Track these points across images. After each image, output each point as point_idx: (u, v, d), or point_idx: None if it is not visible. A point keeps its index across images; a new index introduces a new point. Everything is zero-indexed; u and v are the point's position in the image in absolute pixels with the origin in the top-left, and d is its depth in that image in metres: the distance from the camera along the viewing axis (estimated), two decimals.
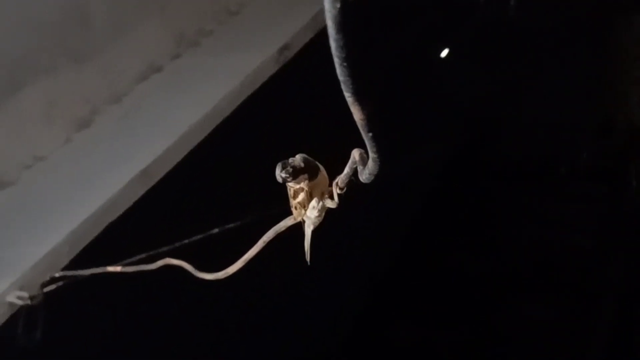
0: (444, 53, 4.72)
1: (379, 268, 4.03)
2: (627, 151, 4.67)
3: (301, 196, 1.15)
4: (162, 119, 2.60)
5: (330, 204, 1.14)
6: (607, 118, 4.94)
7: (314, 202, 1.15)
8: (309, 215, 1.18)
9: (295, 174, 1.07)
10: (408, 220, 4.29)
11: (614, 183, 4.52)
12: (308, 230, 1.25)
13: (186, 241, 1.95)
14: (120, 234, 2.25)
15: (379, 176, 0.89)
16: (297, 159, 1.09)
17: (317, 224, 1.22)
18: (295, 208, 1.19)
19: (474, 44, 4.72)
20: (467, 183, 4.58)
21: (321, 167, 1.13)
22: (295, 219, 1.23)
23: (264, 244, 1.37)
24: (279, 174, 1.08)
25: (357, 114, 0.64)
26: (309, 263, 1.28)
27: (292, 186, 1.16)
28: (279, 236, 1.33)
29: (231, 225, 2.06)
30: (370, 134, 0.69)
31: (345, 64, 0.56)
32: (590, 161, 4.72)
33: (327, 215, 1.23)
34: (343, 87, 0.60)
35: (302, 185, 1.13)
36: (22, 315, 1.99)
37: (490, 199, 4.55)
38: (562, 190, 4.54)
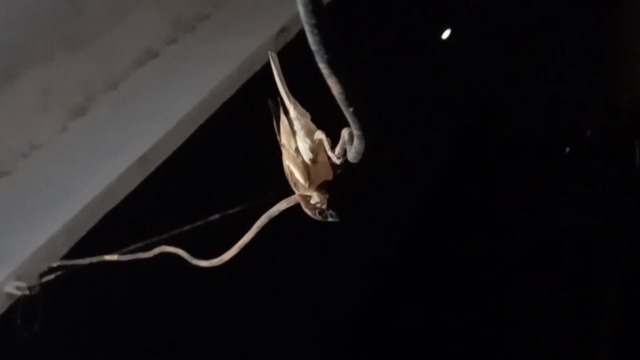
0: (447, 32, 4.67)
1: (385, 252, 4.00)
2: (633, 129, 4.63)
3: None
4: (160, 105, 2.56)
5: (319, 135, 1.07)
6: (612, 96, 4.89)
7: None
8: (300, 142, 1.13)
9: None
10: (414, 204, 4.27)
11: (620, 162, 4.48)
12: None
13: (183, 228, 1.93)
14: (119, 222, 2.23)
15: (368, 155, 0.85)
16: None
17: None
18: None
19: (477, 21, 4.66)
20: (472, 164, 4.54)
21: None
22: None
23: (258, 230, 1.34)
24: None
25: (334, 88, 0.60)
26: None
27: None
28: (283, 223, 1.30)
29: (229, 211, 2.03)
30: (352, 109, 0.65)
31: (316, 31, 0.52)
32: (596, 140, 4.68)
33: (334, 198, 1.18)
34: (316, 57, 0.56)
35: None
36: (20, 305, 1.97)
37: (495, 181, 4.52)
38: (568, 170, 4.50)
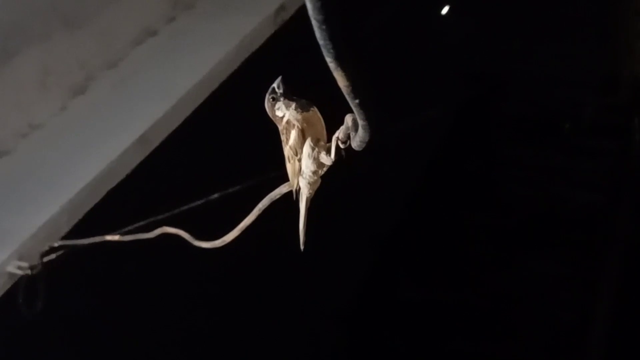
0: (445, 7, 4.64)
1: (385, 229, 4.01)
2: (632, 106, 4.62)
3: (293, 135, 1.10)
4: (159, 84, 2.56)
5: (326, 160, 1.08)
6: (611, 73, 4.88)
7: (308, 148, 1.09)
8: (304, 169, 1.13)
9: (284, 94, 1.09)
10: (413, 180, 4.27)
11: (619, 138, 4.49)
12: (302, 204, 1.21)
13: (184, 208, 1.93)
14: (119, 202, 2.23)
15: (373, 142, 0.85)
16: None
17: (313, 188, 1.17)
18: (289, 160, 1.15)
19: None
20: (471, 140, 4.54)
21: (314, 106, 1.10)
22: (290, 185, 1.19)
23: (259, 212, 1.35)
24: (268, 97, 1.11)
25: (340, 81, 0.60)
26: (302, 248, 1.24)
27: (282, 117, 1.11)
28: (280, 201, 1.30)
29: (229, 190, 2.03)
30: (357, 101, 0.65)
31: (324, 27, 0.52)
32: (595, 116, 4.67)
33: (329, 180, 1.18)
34: (324, 51, 0.56)
35: (293, 116, 1.09)
36: (22, 285, 1.98)
37: (495, 157, 4.52)
38: (567, 146, 4.50)
